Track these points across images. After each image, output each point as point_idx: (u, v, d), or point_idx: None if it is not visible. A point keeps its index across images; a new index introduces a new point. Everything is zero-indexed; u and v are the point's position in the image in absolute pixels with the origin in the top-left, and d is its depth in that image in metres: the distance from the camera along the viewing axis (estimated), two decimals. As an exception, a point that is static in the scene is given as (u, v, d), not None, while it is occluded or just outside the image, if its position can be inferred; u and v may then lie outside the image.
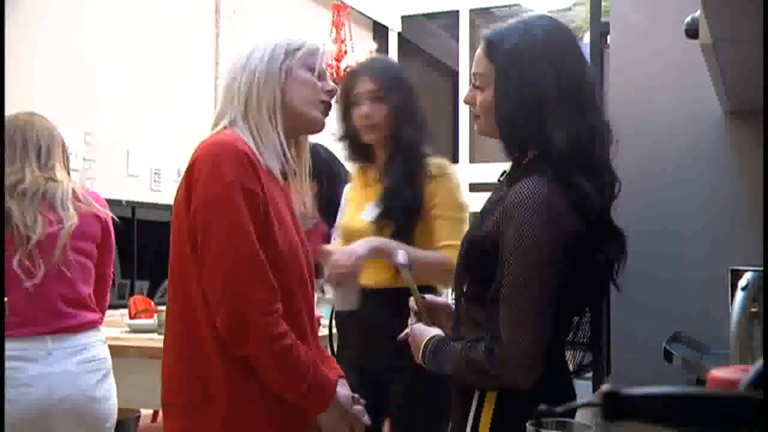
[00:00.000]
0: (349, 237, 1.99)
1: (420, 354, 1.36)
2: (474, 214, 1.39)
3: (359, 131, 2.02)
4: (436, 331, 1.38)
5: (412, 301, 1.49)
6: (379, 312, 1.89)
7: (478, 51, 1.37)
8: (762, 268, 1.13)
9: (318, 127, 1.50)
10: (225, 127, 1.44)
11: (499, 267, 1.23)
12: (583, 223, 1.23)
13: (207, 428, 1.37)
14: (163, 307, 2.80)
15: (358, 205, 2.07)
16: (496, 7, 8.24)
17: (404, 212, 1.94)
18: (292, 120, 1.45)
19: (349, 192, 2.18)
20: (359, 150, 2.09)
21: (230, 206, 1.32)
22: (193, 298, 1.36)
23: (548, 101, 1.26)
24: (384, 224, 1.95)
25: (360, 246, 1.83)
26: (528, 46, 1.29)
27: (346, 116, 2.06)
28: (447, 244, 1.93)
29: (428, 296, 1.52)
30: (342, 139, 2.10)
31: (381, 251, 1.83)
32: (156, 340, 2.55)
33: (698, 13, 1.18)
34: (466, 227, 1.93)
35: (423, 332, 1.39)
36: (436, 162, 2.04)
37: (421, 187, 1.97)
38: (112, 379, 2.19)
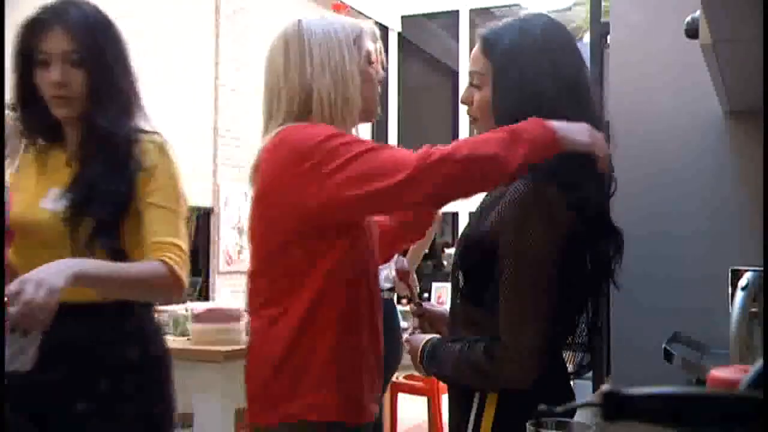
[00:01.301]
0: (27, 232, 1.50)
1: (418, 357, 1.36)
2: (470, 213, 1.39)
3: (48, 102, 1.51)
4: (432, 335, 1.38)
5: (413, 308, 1.50)
6: (84, 336, 1.48)
7: (475, 49, 1.37)
8: (762, 268, 1.13)
9: (374, 119, 1.50)
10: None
11: (497, 266, 1.23)
12: (582, 222, 1.23)
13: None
14: (163, 308, 2.80)
15: (37, 192, 1.52)
16: (496, 7, 8.24)
17: (107, 204, 1.46)
18: (359, 114, 1.44)
19: (17, 178, 1.59)
20: (43, 124, 1.55)
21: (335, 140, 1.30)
22: (286, 290, 1.37)
23: (547, 100, 1.25)
24: (79, 220, 1.45)
25: (55, 274, 1.26)
26: (527, 45, 1.28)
27: (25, 78, 1.52)
28: (159, 241, 1.46)
29: (426, 304, 1.52)
30: (19, 108, 1.55)
31: (87, 278, 1.33)
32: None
33: (698, 13, 1.18)
34: (184, 223, 1.53)
35: (420, 338, 1.39)
36: (151, 140, 1.56)
37: (131, 172, 1.50)
38: None
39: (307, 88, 1.39)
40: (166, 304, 1.59)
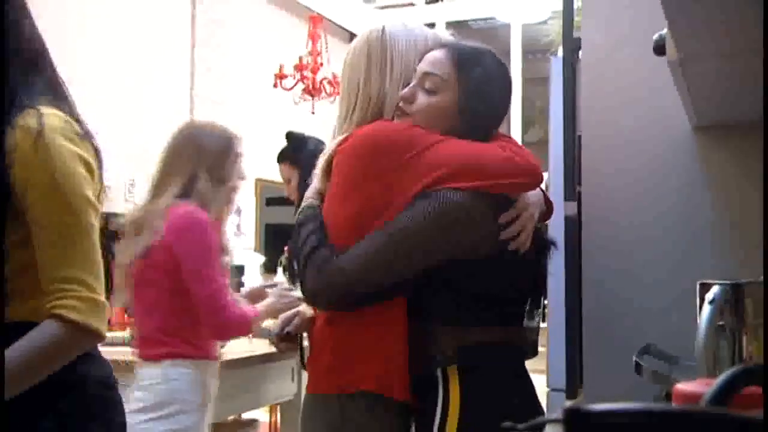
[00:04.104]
0: None
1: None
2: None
3: None
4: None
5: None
6: None
7: (439, 55, 1.37)
8: (730, 282, 1.15)
9: None
10: None
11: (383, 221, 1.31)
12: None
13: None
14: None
15: None
16: (473, 20, 8.30)
17: None
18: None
19: None
20: None
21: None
22: None
23: (493, 129, 1.42)
24: None
25: None
26: (498, 75, 1.40)
27: None
28: (52, 278, 1.11)
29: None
30: None
31: None
32: (126, 353, 2.51)
33: (665, 30, 1.20)
34: (85, 235, 1.16)
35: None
36: (24, 124, 1.13)
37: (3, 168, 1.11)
38: None
39: (382, 98, 1.42)
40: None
